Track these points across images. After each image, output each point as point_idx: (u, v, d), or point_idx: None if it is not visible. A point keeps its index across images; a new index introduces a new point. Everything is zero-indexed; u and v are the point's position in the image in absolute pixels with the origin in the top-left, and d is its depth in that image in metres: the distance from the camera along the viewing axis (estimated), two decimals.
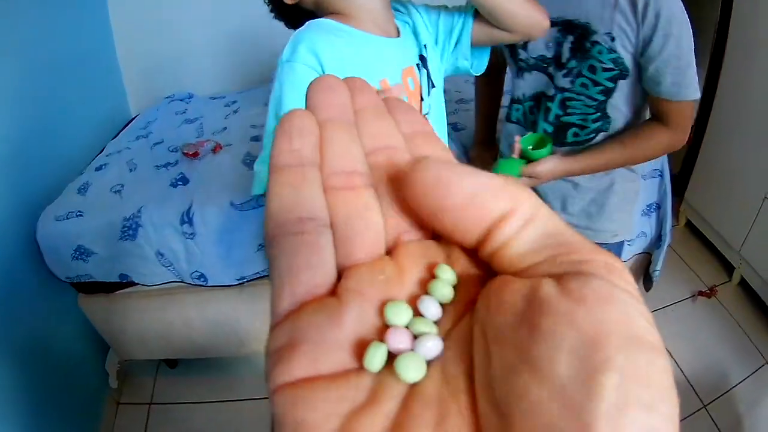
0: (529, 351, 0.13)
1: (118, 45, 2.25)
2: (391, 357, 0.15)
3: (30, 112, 1.55)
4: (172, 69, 2.31)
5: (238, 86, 2.34)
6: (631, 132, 0.98)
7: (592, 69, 0.93)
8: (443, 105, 0.96)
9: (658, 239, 1.58)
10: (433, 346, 0.15)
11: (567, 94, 0.98)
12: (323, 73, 0.71)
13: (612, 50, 0.89)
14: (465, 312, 0.16)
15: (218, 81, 2.36)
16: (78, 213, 1.47)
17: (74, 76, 1.87)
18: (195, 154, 1.55)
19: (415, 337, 0.15)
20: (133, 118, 2.22)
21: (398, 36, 0.84)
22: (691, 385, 1.60)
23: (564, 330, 0.12)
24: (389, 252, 0.17)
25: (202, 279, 1.43)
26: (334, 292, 0.15)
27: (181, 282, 1.48)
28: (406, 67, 0.83)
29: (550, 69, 0.98)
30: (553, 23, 0.89)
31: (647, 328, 0.13)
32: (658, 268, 1.56)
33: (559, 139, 1.03)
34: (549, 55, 0.96)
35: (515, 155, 0.99)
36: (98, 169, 1.72)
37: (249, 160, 1.52)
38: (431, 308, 0.16)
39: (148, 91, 2.30)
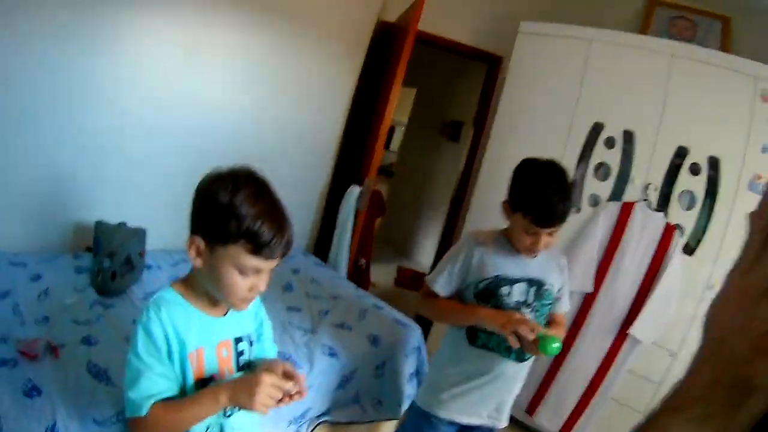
0: None
1: None
2: None
3: None
4: None
5: (28, 245, 2.19)
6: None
7: (542, 306, 1.53)
8: None
9: None
10: None
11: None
12: (166, 331, 0.98)
13: (551, 293, 1.55)
14: None
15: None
16: None
17: None
18: (34, 356, 1.56)
19: None
20: None
21: (224, 315, 1.10)
22: None
23: None
24: None
25: None
26: None
27: None
28: (223, 340, 1.09)
29: (522, 308, 1.49)
30: (523, 281, 1.49)
31: None
32: None
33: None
34: (522, 299, 1.50)
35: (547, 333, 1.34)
36: None
37: (94, 370, 1.55)
38: None
39: None
